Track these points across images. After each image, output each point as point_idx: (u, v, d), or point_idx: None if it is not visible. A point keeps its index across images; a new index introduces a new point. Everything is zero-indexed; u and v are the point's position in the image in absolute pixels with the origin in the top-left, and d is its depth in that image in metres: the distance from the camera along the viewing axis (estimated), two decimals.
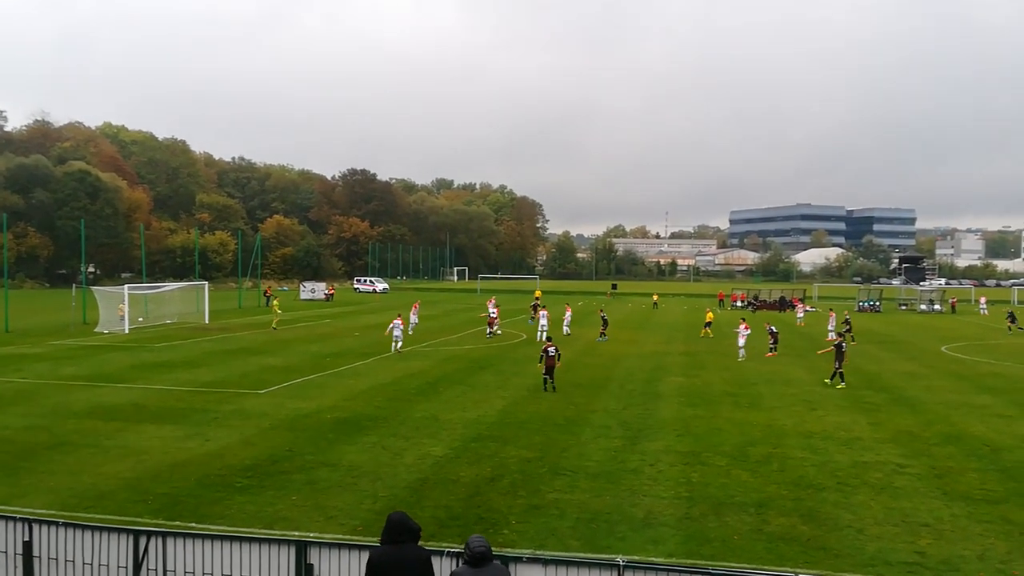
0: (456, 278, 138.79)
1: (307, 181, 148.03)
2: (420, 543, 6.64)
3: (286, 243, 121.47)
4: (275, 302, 47.00)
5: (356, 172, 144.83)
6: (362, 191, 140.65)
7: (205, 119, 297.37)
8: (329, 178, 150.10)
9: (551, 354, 23.48)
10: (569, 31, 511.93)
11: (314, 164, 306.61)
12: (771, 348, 33.55)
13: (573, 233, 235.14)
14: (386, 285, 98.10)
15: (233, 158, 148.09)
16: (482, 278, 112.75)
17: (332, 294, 75.10)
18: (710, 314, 45.75)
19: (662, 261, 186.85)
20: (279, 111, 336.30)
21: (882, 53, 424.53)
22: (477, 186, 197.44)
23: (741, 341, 32.49)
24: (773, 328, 34.69)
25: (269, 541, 7.87)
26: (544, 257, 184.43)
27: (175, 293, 49.16)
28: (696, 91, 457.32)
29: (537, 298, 59.50)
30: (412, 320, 41.18)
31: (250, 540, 7.88)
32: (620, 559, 7.45)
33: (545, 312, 39.75)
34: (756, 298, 73.46)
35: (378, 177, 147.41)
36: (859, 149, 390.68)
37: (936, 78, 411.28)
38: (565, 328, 40.77)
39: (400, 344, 32.30)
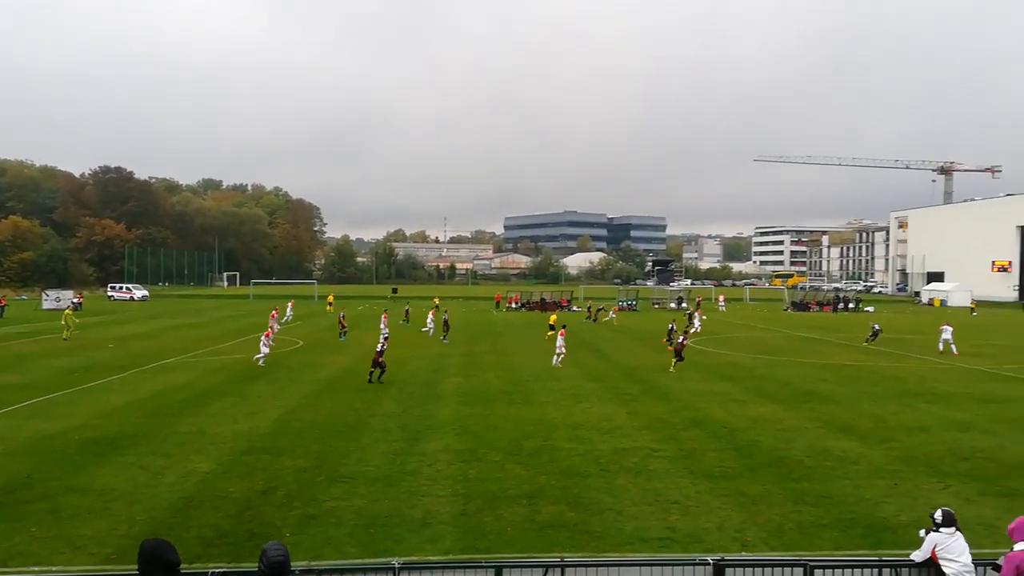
0: (226, 284, 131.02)
1: (50, 179, 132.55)
2: (183, 566, 6.19)
3: (25, 247, 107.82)
4: (67, 311, 42.65)
5: (110, 170, 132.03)
6: (117, 191, 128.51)
7: None
8: (77, 176, 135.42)
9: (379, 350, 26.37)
10: (358, 34, 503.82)
11: (60, 161, 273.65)
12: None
13: (353, 237, 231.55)
14: (145, 292, 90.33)
15: None
16: (255, 283, 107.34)
17: (80, 302, 67.72)
18: (553, 317, 47.74)
19: (441, 265, 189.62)
20: (23, 105, 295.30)
21: (652, 78, 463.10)
22: (249, 187, 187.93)
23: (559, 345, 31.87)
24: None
25: None
26: (323, 261, 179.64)
27: None
28: (486, 103, 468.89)
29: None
30: (274, 328, 39.55)
31: None
32: (395, 561, 7.50)
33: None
34: (530, 300, 76.95)
35: (135, 176, 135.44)
36: (623, 163, 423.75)
37: (692, 104, 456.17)
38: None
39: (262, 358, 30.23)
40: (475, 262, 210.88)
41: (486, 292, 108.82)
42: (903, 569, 7.68)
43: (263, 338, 31.10)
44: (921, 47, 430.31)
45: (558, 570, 7.50)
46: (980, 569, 7.64)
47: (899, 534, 11.64)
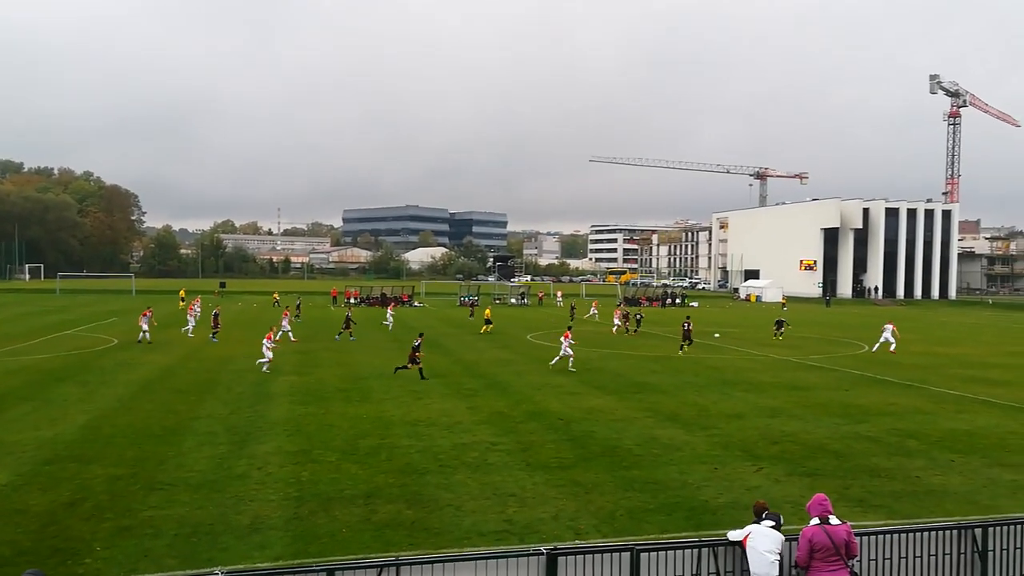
0: (28, 277, 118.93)
1: None
2: None
3: None
4: None
5: None
6: None
7: None
8: None
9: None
10: (185, 9, 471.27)
11: None
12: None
13: (176, 228, 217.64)
14: None
15: None
16: (63, 277, 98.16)
17: None
18: (488, 311, 48.49)
19: (275, 259, 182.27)
20: None
21: (498, 75, 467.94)
22: (55, 171, 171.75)
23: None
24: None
25: None
26: (141, 253, 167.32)
27: None
28: (328, 92, 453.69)
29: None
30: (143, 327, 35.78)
31: None
32: (220, 571, 7.02)
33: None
34: (370, 295, 75.68)
35: None
36: (467, 159, 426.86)
37: (537, 103, 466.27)
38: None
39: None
40: (312, 256, 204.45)
41: (323, 287, 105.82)
42: (719, 548, 8.13)
43: (265, 341, 28.14)
44: (747, 64, 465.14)
45: (393, 570, 7.32)
46: (786, 544, 8.22)
47: (718, 515, 12.38)
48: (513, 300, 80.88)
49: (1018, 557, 8.80)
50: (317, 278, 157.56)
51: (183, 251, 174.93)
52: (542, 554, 7.72)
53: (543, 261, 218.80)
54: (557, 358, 29.83)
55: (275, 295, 73.94)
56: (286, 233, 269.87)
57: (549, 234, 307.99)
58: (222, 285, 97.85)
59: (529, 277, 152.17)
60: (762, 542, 7.74)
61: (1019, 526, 8.92)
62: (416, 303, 73.78)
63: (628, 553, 7.88)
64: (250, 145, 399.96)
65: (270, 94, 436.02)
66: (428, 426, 18.73)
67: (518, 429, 18.64)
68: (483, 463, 15.41)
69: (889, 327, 38.85)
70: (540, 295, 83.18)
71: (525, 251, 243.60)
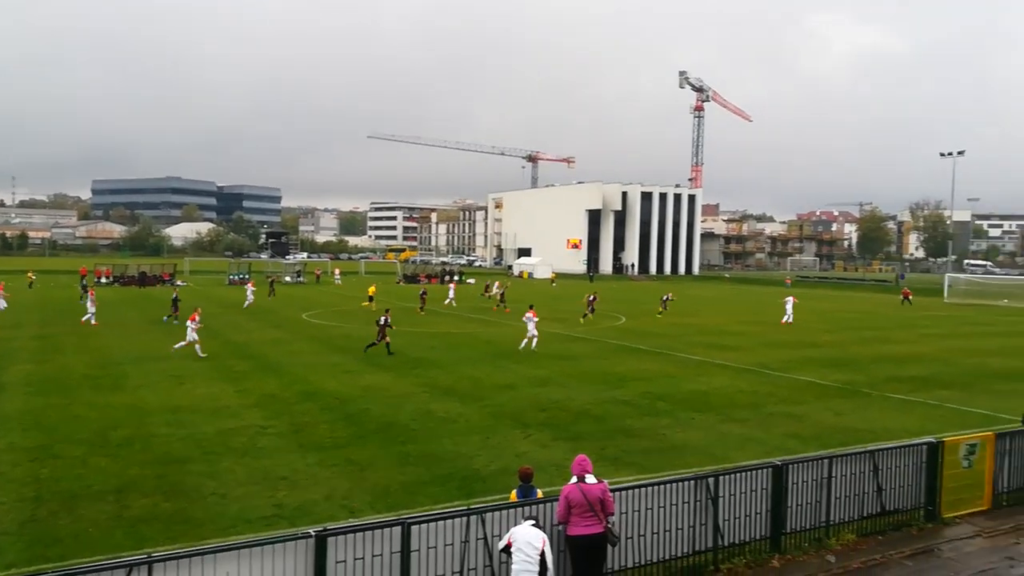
0: None
1: None
2: None
3: None
4: None
5: None
6: None
7: None
8: None
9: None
10: None
11: None
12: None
13: None
14: None
15: None
16: None
17: None
18: (372, 289, 48.98)
19: (8, 233, 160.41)
20: None
21: (282, 46, 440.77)
22: None
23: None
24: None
25: None
26: None
27: None
28: (84, 51, 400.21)
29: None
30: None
31: None
32: None
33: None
34: (124, 274, 69.19)
35: None
36: (239, 130, 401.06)
37: (313, 76, 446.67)
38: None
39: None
40: (54, 231, 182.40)
41: (69, 265, 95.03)
42: (487, 515, 8.44)
43: (189, 323, 26.60)
44: (525, 54, 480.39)
45: (145, 568, 6.80)
46: (548, 506, 8.74)
47: (489, 483, 12.87)
48: (288, 278, 77.91)
49: (742, 500, 10.05)
50: (61, 255, 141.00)
51: None
52: (310, 536, 7.57)
53: (320, 238, 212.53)
54: (525, 340, 28.63)
55: (30, 274, 64.92)
56: (23, 205, 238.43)
57: (327, 210, 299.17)
58: None
59: (305, 255, 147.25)
60: (522, 541, 7.84)
61: (742, 474, 10.18)
62: (179, 282, 68.58)
63: (399, 528, 7.95)
64: None
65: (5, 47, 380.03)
66: (191, 412, 17.58)
67: (291, 411, 18.07)
68: (252, 447, 14.77)
69: (791, 300, 43.29)
70: (317, 273, 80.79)
71: (301, 228, 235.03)
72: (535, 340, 28.61)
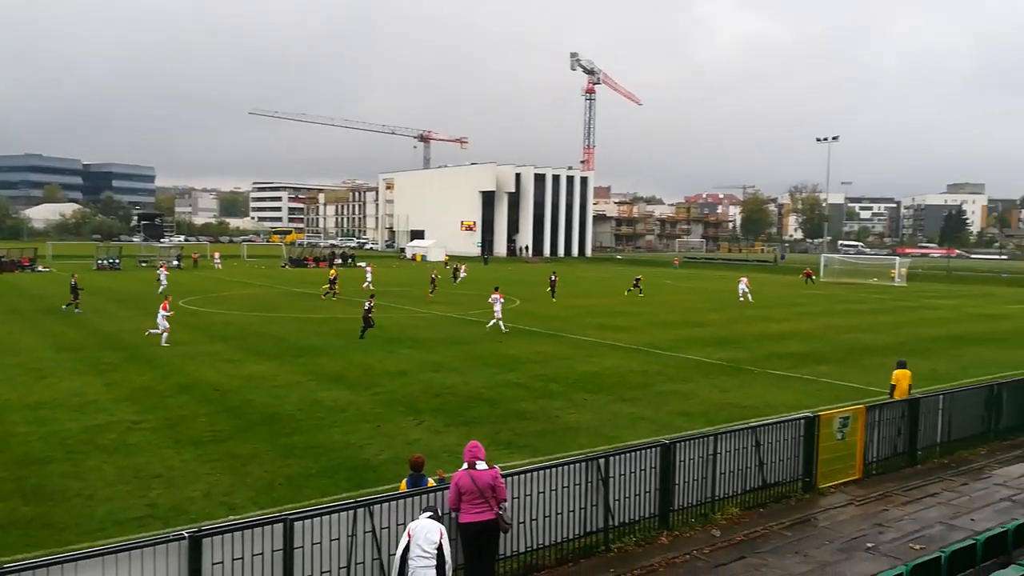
0: None
1: None
2: None
3: None
4: None
5: None
6: None
7: None
8: None
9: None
10: None
11: None
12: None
13: None
14: None
15: None
16: None
17: None
18: (333, 271, 47.30)
19: None
20: None
21: (149, 16, 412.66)
22: None
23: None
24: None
25: None
26: None
27: None
28: None
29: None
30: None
31: None
32: None
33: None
34: None
35: None
36: (108, 106, 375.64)
37: (192, 50, 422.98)
38: None
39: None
40: None
41: None
42: (375, 507, 8.14)
43: (161, 311, 25.75)
44: (415, 33, 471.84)
45: None
46: (440, 495, 8.52)
47: (379, 472, 12.53)
48: (171, 263, 73.86)
49: (632, 480, 10.15)
50: None
51: None
52: (183, 538, 7.05)
53: (199, 220, 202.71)
54: (493, 321, 29.87)
55: None
56: None
57: (206, 191, 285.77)
58: None
59: (183, 237, 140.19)
60: (420, 536, 7.58)
61: (632, 453, 10.29)
62: (40, 268, 63.85)
63: (281, 524, 7.54)
64: None
65: None
66: (53, 408, 16.31)
67: (166, 404, 17.05)
68: (122, 445, 13.81)
69: (744, 280, 45.69)
70: (195, 256, 77.07)
71: (177, 209, 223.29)
72: (501, 323, 29.72)
